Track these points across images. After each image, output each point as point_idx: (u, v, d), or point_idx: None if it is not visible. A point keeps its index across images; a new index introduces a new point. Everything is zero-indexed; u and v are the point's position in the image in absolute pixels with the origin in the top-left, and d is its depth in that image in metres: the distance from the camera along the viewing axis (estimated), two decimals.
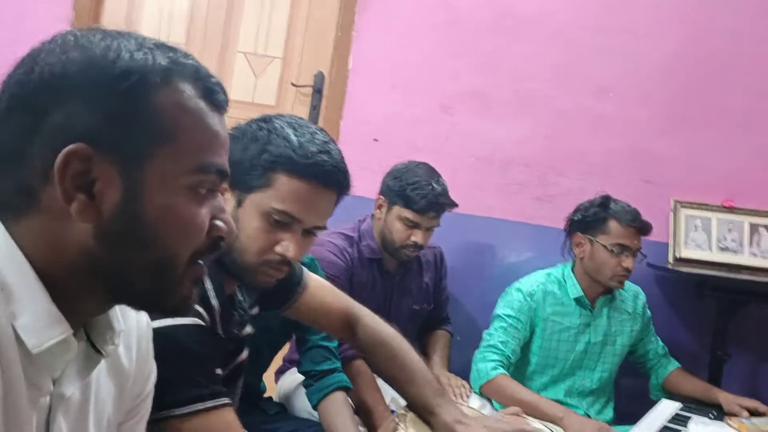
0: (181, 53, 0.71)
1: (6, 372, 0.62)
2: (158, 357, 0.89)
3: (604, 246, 2.18)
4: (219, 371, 1.17)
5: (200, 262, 0.72)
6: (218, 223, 0.72)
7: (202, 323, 1.13)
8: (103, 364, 0.76)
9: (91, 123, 0.64)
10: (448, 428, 1.24)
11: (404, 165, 2.24)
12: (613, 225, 2.19)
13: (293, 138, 1.14)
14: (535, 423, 1.97)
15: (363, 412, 1.80)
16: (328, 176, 1.14)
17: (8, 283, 0.63)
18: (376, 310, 2.19)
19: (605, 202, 2.23)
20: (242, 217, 1.14)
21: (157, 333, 0.88)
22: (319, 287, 1.43)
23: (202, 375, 1.09)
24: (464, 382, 2.25)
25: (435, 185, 2.16)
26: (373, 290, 2.24)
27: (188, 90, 0.69)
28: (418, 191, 2.14)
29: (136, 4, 2.93)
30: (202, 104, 0.70)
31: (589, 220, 2.23)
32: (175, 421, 1.03)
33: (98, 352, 0.73)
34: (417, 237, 2.17)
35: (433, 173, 2.21)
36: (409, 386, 1.32)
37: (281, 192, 1.13)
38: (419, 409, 1.30)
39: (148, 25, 2.89)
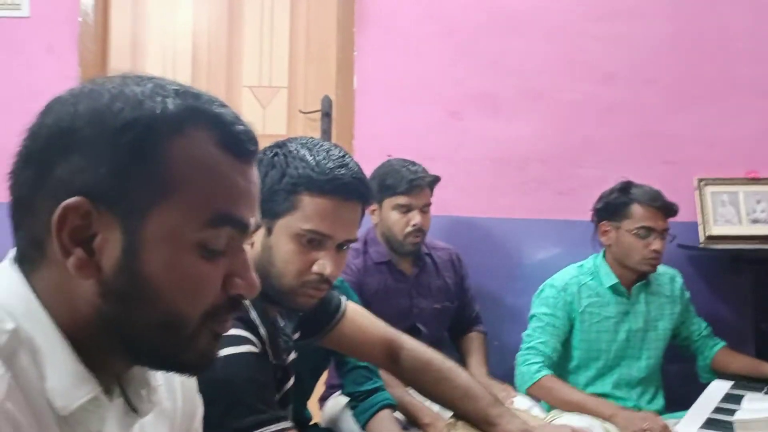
0: (206, 99, 0.68)
1: None
2: (217, 387, 0.89)
3: (629, 231, 2.16)
4: (275, 397, 1.18)
5: (222, 317, 0.69)
6: (237, 280, 0.68)
7: (256, 350, 1.15)
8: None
9: (92, 176, 0.62)
10: None
11: (376, 168, 2.31)
12: (635, 208, 2.17)
13: (309, 158, 1.15)
14: (585, 418, 1.95)
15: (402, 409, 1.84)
16: (349, 188, 1.15)
17: (36, 344, 0.63)
18: (397, 312, 2.21)
19: (626, 186, 2.22)
20: (274, 244, 1.15)
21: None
22: (358, 314, 1.42)
23: (262, 401, 1.11)
24: (506, 386, 2.22)
25: (410, 167, 2.26)
26: (387, 294, 2.25)
27: (202, 138, 0.66)
28: (396, 176, 2.23)
29: (139, 52, 2.97)
30: (217, 153, 0.66)
31: (611, 206, 2.22)
32: None
33: (135, 410, 0.72)
34: (415, 219, 2.22)
35: (404, 161, 2.29)
36: (466, 402, 1.31)
37: (307, 212, 1.14)
38: (480, 423, 1.28)
39: (152, 72, 2.93)
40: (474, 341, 2.43)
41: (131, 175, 0.63)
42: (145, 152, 0.63)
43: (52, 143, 0.64)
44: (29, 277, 0.65)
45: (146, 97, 0.65)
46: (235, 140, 0.68)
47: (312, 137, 1.23)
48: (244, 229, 0.68)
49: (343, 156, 1.18)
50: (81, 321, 0.65)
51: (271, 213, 1.14)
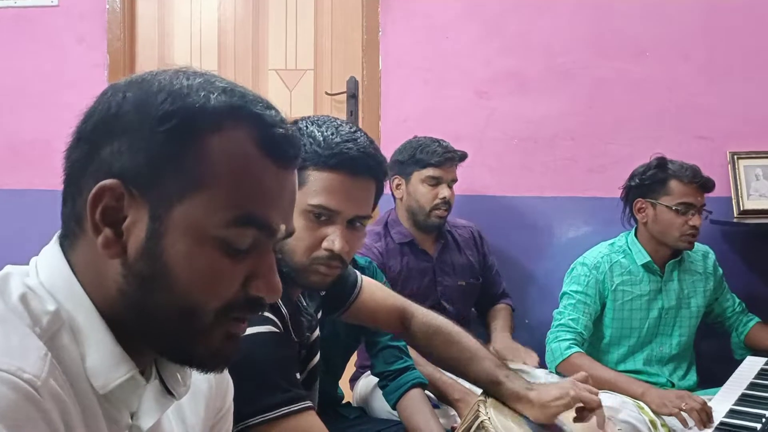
0: (251, 99, 0.68)
1: (86, 411, 0.63)
2: (240, 366, 0.90)
3: (668, 207, 2.14)
4: (298, 375, 1.20)
5: (239, 317, 0.69)
6: (258, 282, 0.68)
7: (276, 330, 1.15)
8: None
9: (129, 161, 0.64)
10: (517, 395, 1.25)
11: (402, 144, 2.35)
12: (674, 185, 2.15)
13: (317, 134, 1.15)
14: (617, 397, 1.94)
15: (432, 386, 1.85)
16: (357, 163, 1.14)
17: (77, 324, 0.65)
18: (421, 291, 2.21)
19: (662, 163, 2.19)
20: None
21: None
22: (373, 287, 1.45)
23: (284, 380, 1.12)
24: (529, 349, 2.18)
25: (440, 142, 2.30)
26: (410, 273, 2.26)
27: (240, 137, 0.66)
28: (427, 149, 2.27)
29: (166, 42, 2.99)
30: (254, 154, 0.66)
31: (647, 183, 2.19)
32: (261, 427, 1.06)
33: (170, 393, 0.73)
34: (444, 192, 2.25)
35: (433, 138, 2.33)
36: (473, 364, 1.33)
37: (313, 187, 1.14)
38: (485, 383, 1.31)
39: (180, 60, 2.95)
40: (500, 311, 2.44)
41: (165, 164, 0.64)
42: (180, 144, 0.64)
43: (100, 126, 0.67)
44: (69, 253, 0.68)
45: (192, 90, 0.66)
46: (274, 143, 0.68)
47: (326, 115, 1.22)
48: (270, 233, 0.68)
49: (354, 132, 1.17)
50: (110, 300, 0.66)
51: None
